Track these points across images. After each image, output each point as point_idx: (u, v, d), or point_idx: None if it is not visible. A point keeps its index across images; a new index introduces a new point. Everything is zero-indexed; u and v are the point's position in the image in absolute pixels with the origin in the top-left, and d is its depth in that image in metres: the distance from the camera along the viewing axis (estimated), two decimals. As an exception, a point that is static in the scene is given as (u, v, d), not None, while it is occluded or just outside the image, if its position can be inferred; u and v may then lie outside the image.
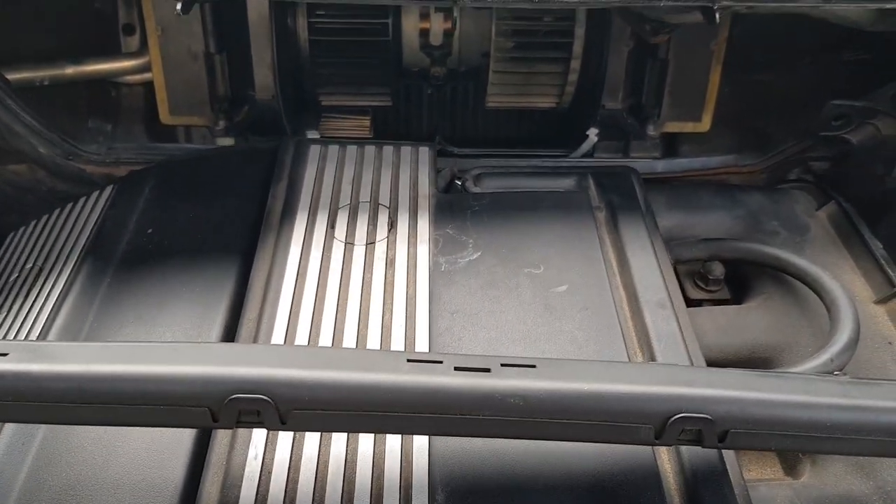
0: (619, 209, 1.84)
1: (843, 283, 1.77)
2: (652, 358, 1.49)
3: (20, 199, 2.18)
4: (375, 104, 2.44)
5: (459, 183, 1.95)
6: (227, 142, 2.35)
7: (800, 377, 1.30)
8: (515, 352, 1.49)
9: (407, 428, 1.15)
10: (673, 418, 1.07)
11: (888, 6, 1.69)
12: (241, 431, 1.31)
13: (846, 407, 1.11)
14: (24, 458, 1.28)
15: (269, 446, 1.30)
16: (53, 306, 1.61)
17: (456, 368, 1.08)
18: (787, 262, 1.81)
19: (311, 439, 1.31)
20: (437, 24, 2.33)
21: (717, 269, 1.87)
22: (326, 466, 1.27)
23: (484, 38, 2.34)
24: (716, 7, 1.65)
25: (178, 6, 1.65)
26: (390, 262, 1.65)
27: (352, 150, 1.95)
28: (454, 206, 1.82)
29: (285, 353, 1.14)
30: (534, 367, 1.10)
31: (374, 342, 1.48)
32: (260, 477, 1.25)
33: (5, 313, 1.70)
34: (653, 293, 1.62)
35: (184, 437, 1.31)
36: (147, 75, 2.29)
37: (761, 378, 1.17)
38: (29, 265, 1.81)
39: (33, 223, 1.99)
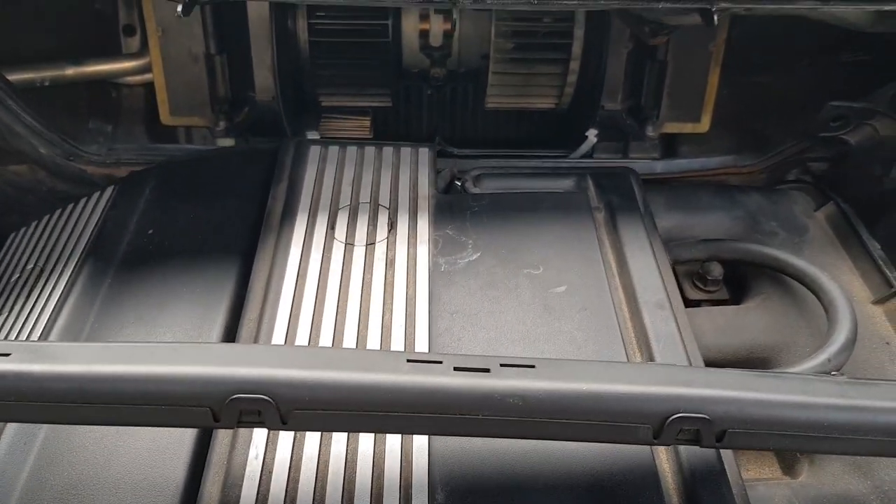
0: (619, 210, 1.84)
1: (841, 283, 1.77)
2: (650, 358, 1.50)
3: (21, 200, 2.17)
4: (375, 105, 2.45)
5: (459, 184, 1.95)
6: (228, 143, 2.35)
7: (798, 377, 1.30)
8: (515, 352, 1.49)
9: (407, 428, 1.16)
10: (671, 418, 1.07)
11: (886, 7, 1.69)
12: (242, 431, 1.32)
13: (844, 407, 1.11)
14: (25, 457, 1.29)
15: (270, 446, 1.30)
16: (55, 307, 1.61)
17: (455, 369, 1.08)
18: (786, 262, 1.82)
19: (312, 439, 1.31)
20: (437, 26, 2.34)
21: (716, 270, 1.88)
22: (327, 466, 1.28)
23: (483, 39, 2.34)
24: (714, 9, 1.65)
25: (179, 8, 1.65)
26: (390, 263, 1.65)
27: (352, 150, 1.95)
28: (454, 207, 1.82)
29: (286, 354, 1.14)
30: (533, 367, 1.10)
31: (374, 342, 1.48)
32: (261, 477, 1.26)
33: (7, 314, 1.70)
34: (651, 294, 1.63)
35: (185, 437, 1.31)
36: (147, 76, 2.29)
37: (759, 378, 1.17)
38: (30, 266, 1.82)
39: (34, 224, 1.99)
